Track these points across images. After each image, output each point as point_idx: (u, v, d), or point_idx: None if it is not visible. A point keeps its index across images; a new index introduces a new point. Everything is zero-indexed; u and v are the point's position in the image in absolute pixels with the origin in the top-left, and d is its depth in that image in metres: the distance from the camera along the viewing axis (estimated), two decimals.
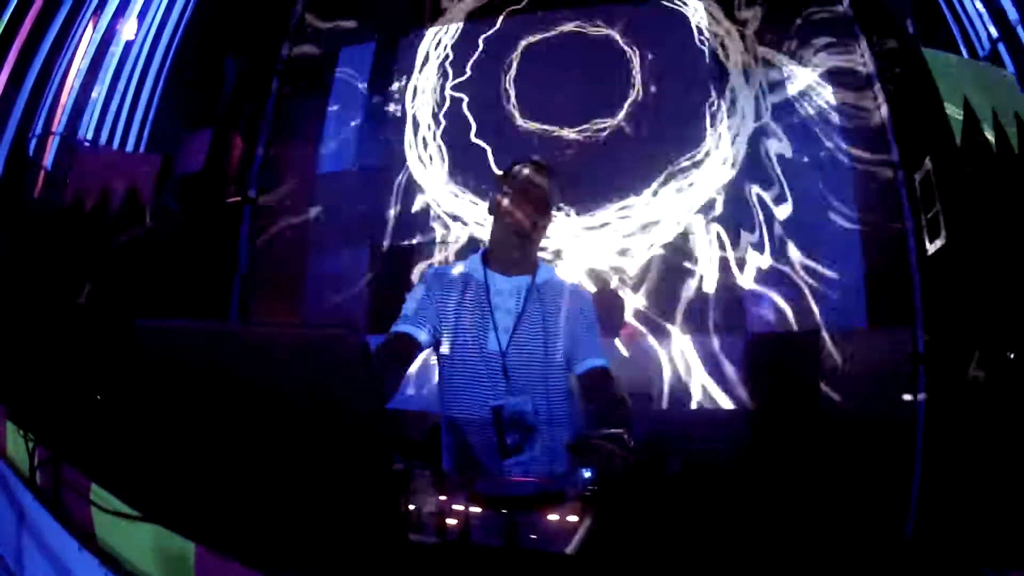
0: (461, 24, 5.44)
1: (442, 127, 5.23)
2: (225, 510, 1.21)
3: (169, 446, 1.28)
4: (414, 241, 5.07)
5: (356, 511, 1.07)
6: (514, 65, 5.19)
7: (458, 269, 2.38)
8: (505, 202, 2.31)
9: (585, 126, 4.89)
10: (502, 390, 2.17)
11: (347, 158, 5.48)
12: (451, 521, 1.25)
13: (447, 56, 5.41)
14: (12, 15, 5.10)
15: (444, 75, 5.37)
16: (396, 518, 1.11)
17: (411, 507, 1.28)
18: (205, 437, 1.21)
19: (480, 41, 5.34)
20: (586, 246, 4.69)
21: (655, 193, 4.65)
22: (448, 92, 5.31)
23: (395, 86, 5.50)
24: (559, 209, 2.32)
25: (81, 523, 1.70)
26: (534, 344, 2.22)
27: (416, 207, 5.13)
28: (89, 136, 5.44)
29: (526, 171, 2.33)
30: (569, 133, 4.91)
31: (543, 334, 2.23)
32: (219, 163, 5.29)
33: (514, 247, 2.31)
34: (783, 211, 4.42)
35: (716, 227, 4.51)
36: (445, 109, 5.27)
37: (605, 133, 4.84)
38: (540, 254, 2.54)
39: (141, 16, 5.73)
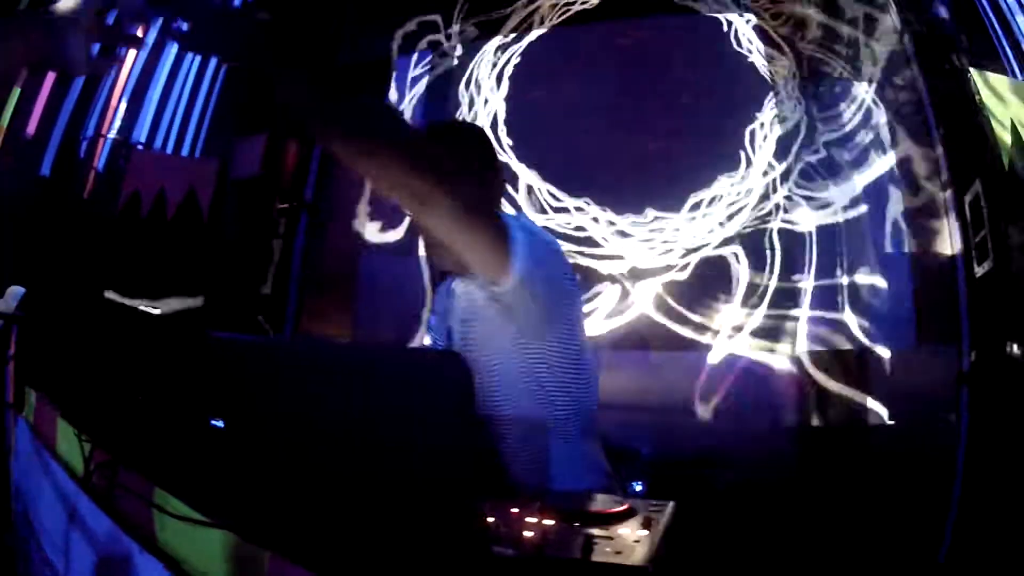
0: (518, 32, 5.48)
1: (500, 134, 5.25)
2: (303, 520, 1.22)
3: (248, 460, 1.29)
4: None
5: (439, 523, 1.07)
6: (569, 71, 5.22)
7: (448, 283, 2.24)
8: None
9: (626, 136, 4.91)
10: None
11: None
12: (528, 534, 1.25)
13: (503, 63, 5.45)
14: None
15: (499, 82, 5.40)
16: (481, 532, 1.11)
17: (491, 519, 1.28)
18: (284, 451, 1.21)
19: (535, 48, 5.38)
20: (628, 255, 4.70)
21: (697, 206, 4.65)
22: (504, 100, 5.35)
23: (451, 92, 5.53)
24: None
25: (140, 527, 1.71)
26: (470, 346, 2.00)
27: None
28: (143, 139, 5.50)
29: None
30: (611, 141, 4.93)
31: (477, 328, 1.99)
32: (274, 168, 5.33)
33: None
34: (830, 228, 4.41)
35: (762, 243, 4.50)
36: (502, 116, 5.30)
37: (647, 143, 4.86)
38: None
39: None
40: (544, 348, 1.94)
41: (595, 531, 1.30)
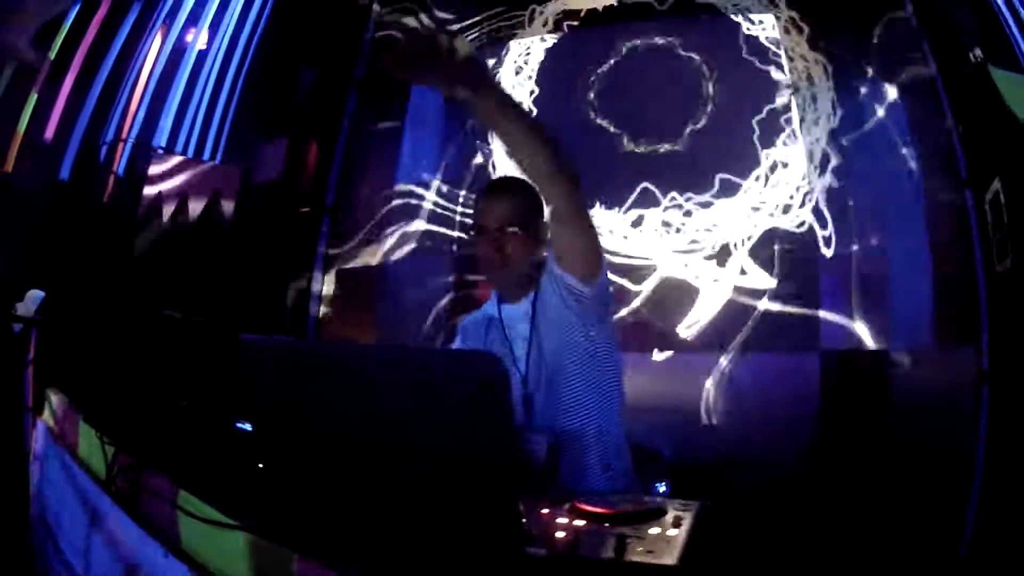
0: (541, 35, 5.47)
1: None
2: (334, 522, 1.22)
3: (280, 462, 1.28)
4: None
5: (477, 527, 1.07)
6: (596, 75, 5.21)
7: (482, 312, 2.36)
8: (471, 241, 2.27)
9: (655, 138, 4.91)
10: (524, 421, 2.10)
11: (428, 169, 5.50)
12: (560, 535, 1.25)
13: (528, 67, 5.45)
14: (74, 25, 5.20)
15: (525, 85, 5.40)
16: (516, 532, 1.10)
17: (524, 521, 1.28)
18: (316, 453, 1.21)
19: (560, 51, 5.38)
20: (648, 257, 4.70)
21: (723, 205, 4.64)
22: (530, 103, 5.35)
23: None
24: (524, 226, 2.14)
25: (165, 529, 1.71)
26: (545, 358, 2.14)
27: None
28: (162, 144, 5.51)
29: (475, 204, 2.29)
30: (638, 143, 4.93)
31: (549, 342, 2.14)
32: (295, 173, 5.32)
33: (496, 281, 2.26)
34: (849, 227, 4.40)
35: (782, 245, 4.48)
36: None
37: (674, 146, 4.85)
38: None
39: (214, 26, 5.81)
40: (611, 345, 2.18)
41: (626, 531, 1.29)
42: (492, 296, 2.34)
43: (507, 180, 2.31)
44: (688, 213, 4.72)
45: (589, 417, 2.10)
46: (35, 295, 4.39)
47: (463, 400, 1.01)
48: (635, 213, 4.84)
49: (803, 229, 4.51)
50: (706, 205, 4.70)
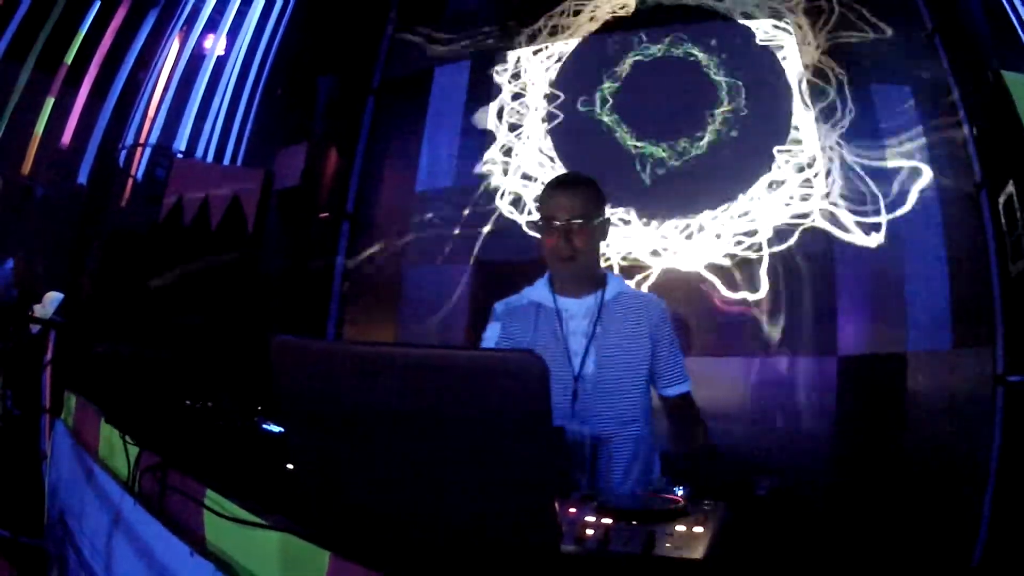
0: (561, 41, 5.48)
1: (543, 143, 5.25)
2: (370, 523, 1.22)
3: (316, 463, 1.29)
4: (512, 257, 5.05)
5: (513, 525, 1.08)
6: (613, 80, 5.21)
7: (527, 299, 2.42)
8: (540, 232, 2.35)
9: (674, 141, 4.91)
10: (570, 414, 2.20)
11: (446, 175, 5.50)
12: (590, 531, 1.27)
13: (546, 72, 5.46)
14: (90, 31, 5.22)
15: (543, 91, 5.41)
16: (551, 530, 1.11)
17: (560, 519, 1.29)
18: (351, 452, 1.22)
19: (577, 57, 5.39)
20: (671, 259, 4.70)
21: (737, 211, 4.63)
22: (547, 109, 5.35)
23: (493, 103, 5.52)
24: (589, 218, 2.26)
25: (190, 529, 1.71)
26: (606, 365, 2.24)
27: (516, 224, 5.16)
28: (182, 148, 5.51)
29: (543, 198, 2.36)
30: (661, 148, 4.93)
31: (616, 353, 2.25)
32: (315, 178, 5.33)
33: (562, 271, 2.32)
34: (863, 230, 4.39)
35: (800, 248, 4.47)
36: (545, 125, 5.30)
37: (692, 152, 4.85)
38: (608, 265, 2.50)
39: (232, 33, 5.81)
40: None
41: (654, 528, 1.30)
42: (540, 284, 2.41)
43: (576, 176, 2.44)
44: (701, 214, 4.71)
45: (636, 423, 2.25)
46: (54, 297, 4.41)
47: (503, 400, 1.02)
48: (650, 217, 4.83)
49: (818, 232, 4.49)
50: (718, 207, 4.69)
